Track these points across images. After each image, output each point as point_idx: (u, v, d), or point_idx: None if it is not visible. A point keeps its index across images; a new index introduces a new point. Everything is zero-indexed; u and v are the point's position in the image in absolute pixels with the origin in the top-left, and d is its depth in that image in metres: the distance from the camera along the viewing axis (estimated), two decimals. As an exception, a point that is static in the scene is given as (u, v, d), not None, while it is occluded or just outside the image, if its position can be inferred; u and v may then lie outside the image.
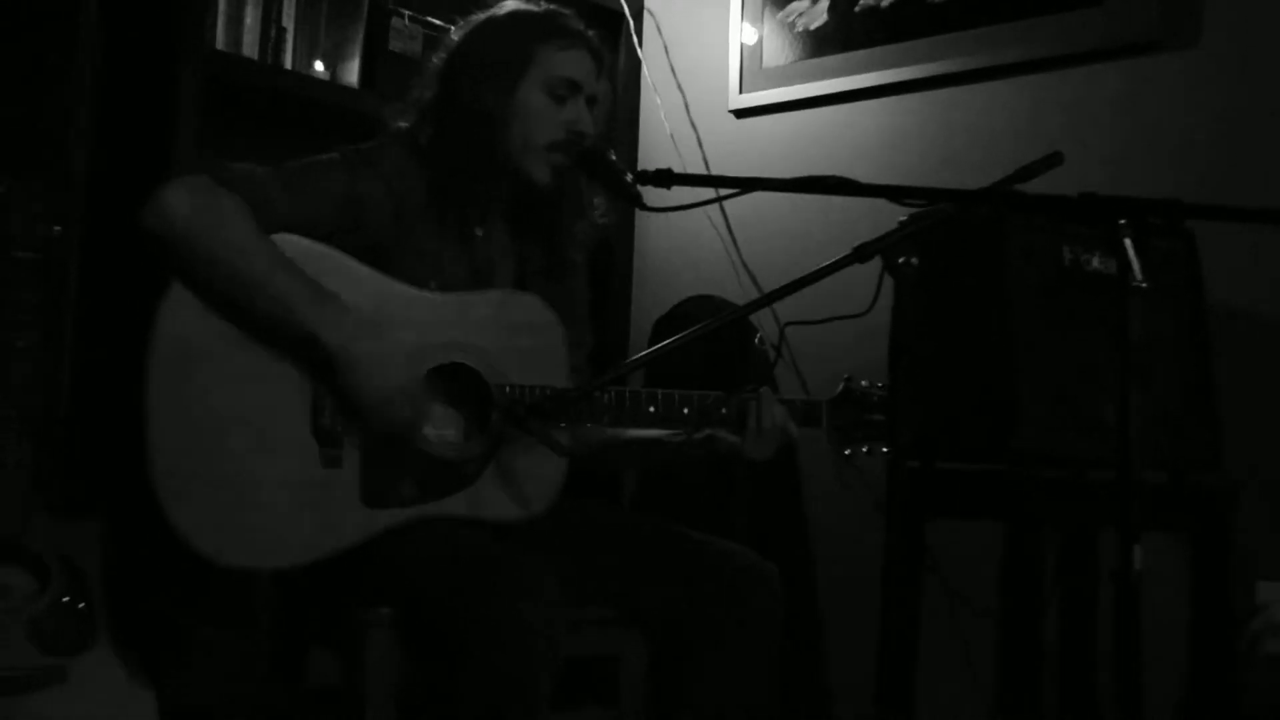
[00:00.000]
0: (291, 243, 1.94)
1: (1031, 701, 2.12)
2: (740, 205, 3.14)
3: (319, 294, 1.90)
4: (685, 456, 2.10)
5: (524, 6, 2.17)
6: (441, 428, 2.01)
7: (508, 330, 2.03)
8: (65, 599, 2.18)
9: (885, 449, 1.87)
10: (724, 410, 2.00)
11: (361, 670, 1.88)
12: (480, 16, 2.18)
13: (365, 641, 1.88)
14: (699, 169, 3.30)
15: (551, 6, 2.18)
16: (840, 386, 2.07)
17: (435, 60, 2.18)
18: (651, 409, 1.99)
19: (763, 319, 2.83)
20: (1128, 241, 1.55)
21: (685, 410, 2.00)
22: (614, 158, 2.07)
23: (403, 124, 2.15)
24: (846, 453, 2.06)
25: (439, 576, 1.86)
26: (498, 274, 2.15)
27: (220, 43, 2.77)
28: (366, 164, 2.06)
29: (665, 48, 3.45)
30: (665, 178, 1.87)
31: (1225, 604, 2.27)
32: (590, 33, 2.15)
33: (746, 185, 1.87)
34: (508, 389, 1.97)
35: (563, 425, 2.01)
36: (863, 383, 2.07)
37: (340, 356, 1.88)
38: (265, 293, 1.88)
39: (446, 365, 1.99)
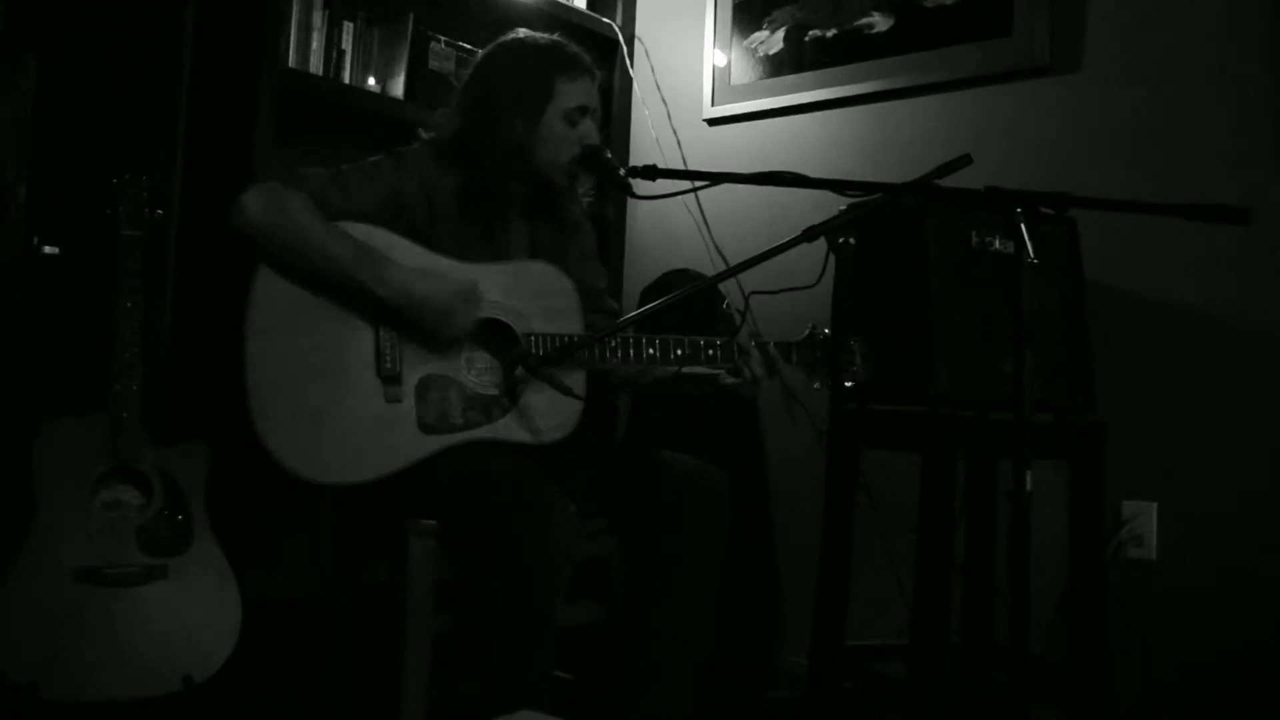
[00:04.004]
0: (351, 226, 1.94)
1: (943, 598, 2.13)
2: (711, 195, 3.13)
3: (367, 254, 1.90)
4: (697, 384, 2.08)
5: (532, 36, 2.13)
6: (480, 369, 2.00)
7: (530, 292, 2.03)
8: (166, 511, 2.17)
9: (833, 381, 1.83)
10: (716, 351, 1.99)
11: (405, 571, 1.88)
12: (496, 46, 2.14)
13: (408, 548, 1.88)
14: (678, 166, 3.27)
15: (555, 37, 2.14)
16: (805, 332, 2.07)
17: (464, 84, 2.13)
18: (651, 350, 1.99)
19: (730, 288, 2.81)
20: (1023, 226, 1.54)
21: (679, 352, 1.99)
22: (610, 156, 2.08)
23: (435, 135, 2.12)
24: (816, 386, 2.05)
25: (480, 497, 1.85)
26: (514, 252, 2.13)
27: (292, 62, 2.74)
28: (406, 165, 2.05)
29: (652, 68, 3.42)
30: (651, 172, 1.86)
31: (1096, 518, 2.27)
32: (587, 56, 2.13)
33: (716, 179, 1.84)
34: (532, 337, 1.97)
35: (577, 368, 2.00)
36: (825, 330, 2.06)
37: (399, 298, 1.89)
38: (323, 257, 1.89)
39: (484, 319, 1.99)
